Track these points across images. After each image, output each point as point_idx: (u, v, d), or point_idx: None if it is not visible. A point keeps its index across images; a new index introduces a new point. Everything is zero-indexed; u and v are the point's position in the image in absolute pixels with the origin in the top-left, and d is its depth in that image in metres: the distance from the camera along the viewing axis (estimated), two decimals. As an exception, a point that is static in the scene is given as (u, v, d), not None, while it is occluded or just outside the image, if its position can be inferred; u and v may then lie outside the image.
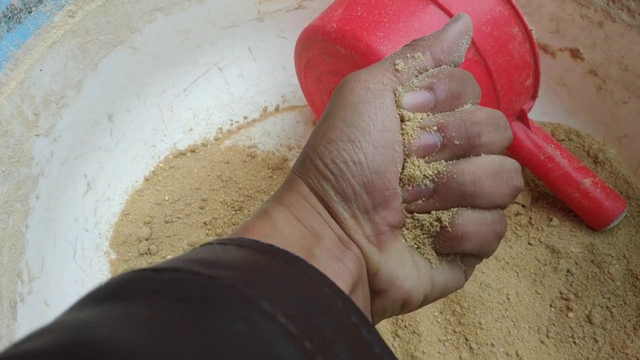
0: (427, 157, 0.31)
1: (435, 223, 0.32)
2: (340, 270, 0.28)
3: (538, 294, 0.63)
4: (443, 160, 0.32)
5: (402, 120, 0.31)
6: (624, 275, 0.63)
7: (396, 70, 0.32)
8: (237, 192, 0.71)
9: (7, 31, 0.55)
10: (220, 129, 0.78)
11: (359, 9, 0.56)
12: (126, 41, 0.68)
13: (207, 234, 0.68)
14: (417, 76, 0.32)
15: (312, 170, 0.30)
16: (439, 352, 0.60)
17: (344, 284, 0.28)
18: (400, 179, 0.32)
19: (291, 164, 0.75)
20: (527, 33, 0.56)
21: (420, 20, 0.54)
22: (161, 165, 0.74)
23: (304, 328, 0.21)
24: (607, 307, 0.61)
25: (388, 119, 0.30)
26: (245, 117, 0.79)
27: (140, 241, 0.67)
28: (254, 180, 0.72)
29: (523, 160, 0.65)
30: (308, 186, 0.31)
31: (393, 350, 0.60)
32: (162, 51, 0.72)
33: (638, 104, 0.67)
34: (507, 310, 0.62)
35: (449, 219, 0.32)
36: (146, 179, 0.73)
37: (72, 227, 0.65)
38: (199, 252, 0.26)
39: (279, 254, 0.26)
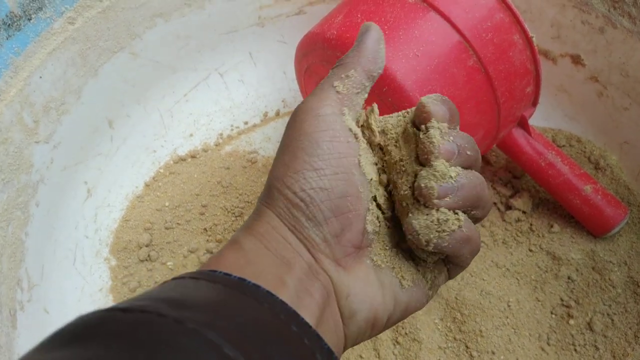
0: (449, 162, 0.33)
1: (455, 222, 0.32)
2: (308, 303, 0.29)
3: (539, 301, 0.63)
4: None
5: (356, 137, 0.33)
6: (625, 282, 0.63)
7: (337, 92, 0.34)
8: (238, 198, 0.71)
9: (7, 38, 0.55)
10: (221, 134, 0.78)
11: (359, 16, 0.56)
12: (126, 47, 0.68)
13: (208, 240, 0.68)
14: (356, 91, 0.34)
15: (281, 200, 0.32)
16: (439, 360, 0.60)
17: (311, 318, 0.29)
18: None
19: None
20: (528, 40, 0.56)
21: (420, 28, 0.54)
22: (161, 171, 0.74)
23: None
24: (608, 314, 0.61)
25: (342, 146, 0.32)
26: (246, 123, 0.79)
27: (141, 247, 0.67)
28: (254, 186, 0.72)
29: (524, 167, 0.65)
30: (277, 216, 0.32)
31: (393, 357, 0.60)
32: (163, 57, 0.72)
33: (639, 110, 0.67)
34: (507, 317, 0.62)
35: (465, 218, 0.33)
36: (146, 185, 0.73)
37: (72, 234, 0.65)
38: (169, 288, 0.27)
39: (249, 290, 0.27)
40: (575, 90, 0.72)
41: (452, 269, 0.37)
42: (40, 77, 0.59)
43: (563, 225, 0.68)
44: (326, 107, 0.33)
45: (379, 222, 0.35)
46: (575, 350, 0.60)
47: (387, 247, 0.35)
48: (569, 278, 0.64)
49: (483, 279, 0.64)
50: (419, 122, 0.33)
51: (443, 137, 0.32)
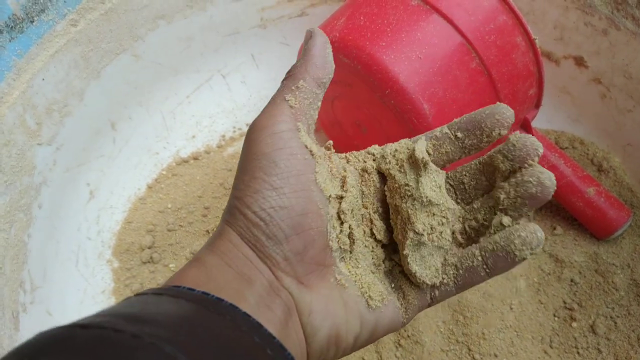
0: None
1: (500, 226, 0.34)
2: (270, 317, 0.29)
3: (542, 303, 0.63)
4: None
5: (312, 154, 0.33)
6: (628, 285, 0.63)
7: (291, 107, 0.33)
8: (240, 200, 0.71)
9: (10, 41, 0.55)
10: (223, 136, 0.78)
11: (362, 18, 0.56)
12: (129, 49, 0.68)
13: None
14: (309, 102, 0.34)
15: (241, 219, 0.31)
16: (441, 363, 0.60)
17: (273, 331, 0.29)
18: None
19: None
20: (531, 42, 0.56)
21: (423, 30, 0.54)
22: (164, 172, 0.74)
23: None
24: (611, 317, 0.61)
25: (300, 163, 0.32)
26: (248, 124, 0.79)
27: (143, 249, 0.67)
28: (256, 188, 0.72)
29: (526, 169, 0.65)
30: (239, 235, 0.32)
31: (396, 360, 0.60)
32: (165, 59, 0.72)
33: (642, 112, 0.67)
34: (510, 320, 0.62)
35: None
36: (149, 187, 0.73)
37: (75, 236, 0.65)
38: (130, 304, 0.27)
39: (212, 304, 0.27)
40: (579, 92, 0.72)
41: (437, 298, 0.36)
42: (43, 79, 0.59)
43: (566, 227, 0.68)
44: (281, 124, 0.32)
45: (351, 239, 0.35)
46: (578, 353, 0.60)
47: (360, 266, 0.35)
48: (571, 281, 0.64)
49: (486, 282, 0.64)
50: (524, 158, 0.33)
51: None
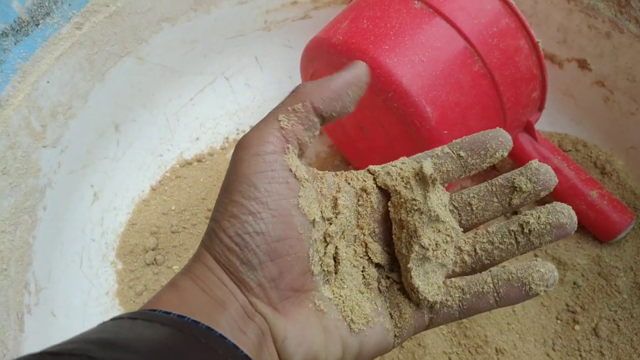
0: None
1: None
2: (244, 341, 0.29)
3: (544, 306, 0.63)
4: None
5: (296, 177, 0.32)
6: (631, 287, 0.63)
7: (281, 127, 0.32)
8: (243, 202, 0.72)
9: (15, 44, 0.56)
10: (227, 138, 0.78)
11: (365, 21, 0.56)
12: (133, 52, 0.68)
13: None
14: (303, 127, 0.33)
15: (217, 243, 0.31)
16: (444, 365, 0.60)
17: (248, 354, 0.29)
18: None
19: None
20: (534, 45, 0.56)
21: (426, 33, 0.54)
22: (167, 174, 0.74)
23: None
24: (613, 320, 0.61)
25: (281, 187, 0.31)
26: (252, 127, 0.79)
27: (147, 251, 0.68)
28: (259, 190, 0.72)
29: (529, 172, 0.65)
30: (214, 258, 0.31)
31: (398, 362, 0.60)
32: (169, 61, 0.73)
33: (646, 115, 0.67)
34: (512, 322, 0.62)
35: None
36: (153, 189, 0.73)
37: (79, 237, 0.66)
38: (104, 329, 0.27)
39: (187, 327, 0.27)
40: (582, 95, 0.72)
41: (438, 321, 0.35)
42: (48, 81, 0.59)
43: (569, 230, 0.67)
44: (267, 145, 0.32)
45: (337, 261, 0.34)
46: (581, 356, 0.60)
47: (345, 287, 0.34)
48: (574, 283, 0.64)
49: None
50: (546, 182, 0.35)
51: None
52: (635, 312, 0.61)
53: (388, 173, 0.36)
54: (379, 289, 0.36)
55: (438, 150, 0.37)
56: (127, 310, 0.64)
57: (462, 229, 0.36)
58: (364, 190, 0.36)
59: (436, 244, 0.34)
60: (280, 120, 0.32)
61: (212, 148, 0.77)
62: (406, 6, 0.55)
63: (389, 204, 0.36)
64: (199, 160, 0.76)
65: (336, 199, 0.35)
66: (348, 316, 0.33)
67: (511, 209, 0.36)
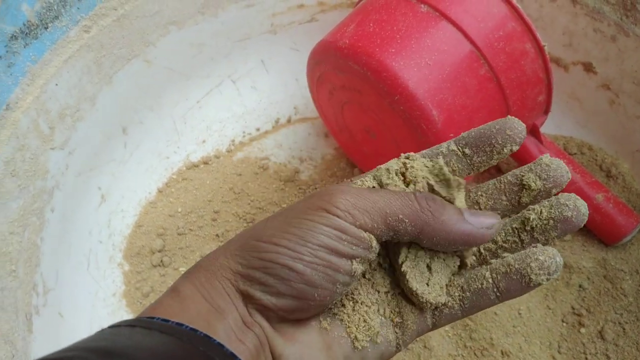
0: None
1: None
2: (241, 350, 0.29)
3: (550, 309, 0.63)
4: None
5: (370, 246, 0.30)
6: (636, 290, 0.63)
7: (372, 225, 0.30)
8: (249, 204, 0.72)
9: (24, 47, 0.56)
10: (233, 140, 0.78)
11: (371, 25, 0.56)
12: (140, 55, 0.68)
13: (220, 246, 0.69)
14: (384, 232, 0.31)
15: (244, 257, 0.30)
16: (450, 367, 0.60)
17: None
18: None
19: (302, 176, 0.75)
20: (540, 49, 0.56)
21: (432, 37, 0.54)
22: (174, 177, 0.75)
23: None
24: (619, 323, 0.61)
25: (343, 248, 0.30)
26: (258, 129, 0.80)
27: (154, 253, 0.68)
28: (266, 193, 0.73)
29: (535, 175, 0.65)
30: (231, 269, 0.30)
31: (404, 364, 0.60)
32: (176, 64, 0.73)
33: (651, 118, 0.67)
34: (518, 325, 0.62)
35: None
36: (159, 191, 0.73)
37: (86, 239, 0.66)
38: (102, 337, 0.27)
39: (185, 335, 0.27)
40: (587, 98, 0.72)
41: (441, 322, 0.35)
42: (56, 84, 0.60)
43: (574, 233, 0.68)
44: (349, 218, 0.30)
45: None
46: (587, 358, 0.60)
47: (350, 303, 0.33)
48: (580, 286, 0.64)
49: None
50: (558, 178, 0.32)
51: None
52: (641, 316, 0.61)
53: (413, 181, 0.33)
54: (385, 294, 0.35)
55: (444, 146, 0.34)
56: (134, 311, 0.65)
57: None
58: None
59: None
60: (379, 220, 0.30)
61: (218, 150, 0.78)
62: (412, 10, 0.56)
63: None
64: (205, 163, 0.76)
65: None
66: (352, 333, 0.33)
67: (520, 208, 0.34)
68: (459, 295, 0.33)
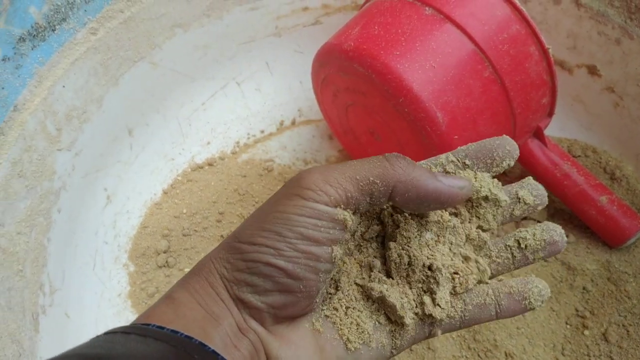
0: None
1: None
2: (236, 357, 0.29)
3: (554, 311, 0.63)
4: None
5: (345, 227, 0.31)
6: (640, 293, 0.63)
7: (349, 191, 0.31)
8: (254, 205, 0.72)
9: (32, 49, 0.57)
10: (238, 142, 0.79)
11: (376, 27, 0.57)
12: (146, 57, 0.69)
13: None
14: (368, 200, 0.32)
15: (229, 261, 0.31)
16: (453, 369, 0.60)
17: None
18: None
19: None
20: (544, 51, 0.57)
21: (437, 39, 0.54)
22: (179, 178, 0.75)
23: None
24: (623, 325, 0.61)
25: (320, 235, 0.30)
26: (262, 131, 0.80)
27: (159, 254, 0.68)
28: (270, 194, 0.73)
29: (539, 177, 0.66)
30: (219, 274, 0.31)
31: (408, 366, 0.60)
32: (181, 66, 0.74)
33: (655, 121, 0.67)
34: (522, 327, 0.62)
35: None
36: (164, 192, 0.74)
37: (92, 240, 0.67)
38: (97, 343, 0.27)
39: (180, 343, 0.27)
40: (591, 101, 0.73)
41: (439, 332, 0.35)
42: (64, 86, 0.60)
43: (578, 235, 0.68)
44: (324, 196, 0.30)
45: (339, 284, 0.34)
46: (590, 361, 0.60)
47: (344, 304, 0.34)
48: (584, 288, 0.64)
49: (498, 289, 0.64)
50: (542, 203, 0.36)
51: None
52: (645, 318, 0.61)
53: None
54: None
55: (442, 157, 0.36)
56: (139, 312, 0.65)
57: None
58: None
59: (451, 261, 0.35)
60: (352, 183, 0.31)
61: (223, 152, 0.78)
62: (417, 12, 0.56)
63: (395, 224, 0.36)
64: (210, 164, 0.77)
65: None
66: (344, 335, 0.33)
67: (511, 220, 0.36)
68: (461, 308, 0.34)
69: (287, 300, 0.31)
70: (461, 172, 0.35)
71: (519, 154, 0.36)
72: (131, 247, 0.69)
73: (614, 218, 0.64)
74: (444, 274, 0.34)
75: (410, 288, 0.34)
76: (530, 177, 0.37)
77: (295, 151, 0.78)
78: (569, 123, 0.75)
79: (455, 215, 0.36)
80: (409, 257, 0.34)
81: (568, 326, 0.62)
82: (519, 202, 0.36)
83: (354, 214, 0.32)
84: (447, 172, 0.35)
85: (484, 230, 0.36)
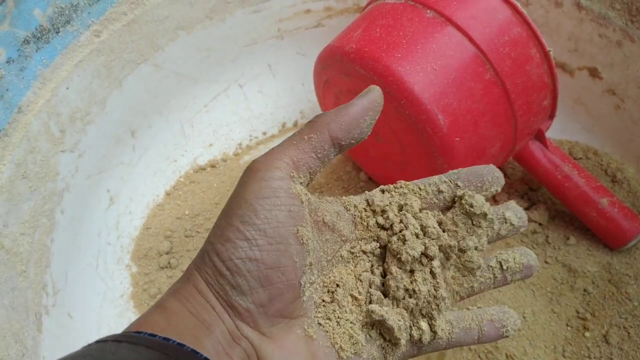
0: None
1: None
2: None
3: (554, 312, 0.63)
4: None
5: (302, 202, 0.32)
6: (641, 295, 0.63)
7: (292, 155, 0.33)
8: (256, 207, 0.72)
9: (36, 51, 0.57)
10: (240, 144, 0.79)
11: (377, 30, 0.57)
12: (149, 59, 0.69)
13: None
14: (315, 156, 0.33)
15: (209, 266, 0.31)
16: (454, 370, 0.60)
17: None
18: None
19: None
20: (545, 54, 0.57)
21: (438, 42, 0.55)
22: (182, 180, 0.76)
23: None
24: (624, 327, 0.61)
25: (282, 214, 0.31)
26: (264, 133, 0.80)
27: (161, 255, 0.69)
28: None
29: (540, 179, 0.66)
30: (205, 280, 0.31)
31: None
32: (184, 69, 0.74)
33: (656, 123, 0.67)
34: (523, 329, 0.62)
35: None
36: (167, 194, 0.74)
37: (95, 241, 0.67)
38: (88, 352, 0.27)
39: (172, 350, 0.27)
40: (593, 103, 0.73)
41: (425, 351, 0.36)
42: (67, 88, 0.61)
43: (579, 237, 0.68)
44: (274, 171, 0.32)
45: (335, 295, 0.35)
46: (591, 362, 0.60)
47: (338, 315, 0.35)
48: (585, 290, 0.64)
49: (499, 291, 0.64)
50: (524, 225, 0.39)
51: None
52: (645, 320, 0.61)
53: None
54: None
55: (435, 178, 0.38)
56: (141, 312, 0.65)
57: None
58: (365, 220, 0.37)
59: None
60: (292, 148, 0.33)
61: (225, 154, 0.78)
62: (418, 15, 0.56)
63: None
64: (212, 166, 0.77)
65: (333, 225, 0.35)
66: (337, 344, 0.34)
67: (496, 239, 0.38)
68: (449, 330, 0.36)
69: (272, 293, 0.31)
70: (456, 191, 0.37)
71: (504, 183, 0.38)
72: (134, 248, 0.70)
73: (615, 220, 0.64)
74: (446, 303, 0.35)
75: (408, 310, 0.35)
76: (513, 201, 0.39)
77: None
78: (570, 125, 0.75)
79: (455, 234, 0.37)
80: (413, 288, 0.35)
81: (569, 328, 0.63)
82: (505, 222, 0.38)
83: (310, 180, 0.33)
84: (441, 192, 0.37)
85: (477, 250, 0.37)
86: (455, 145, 0.54)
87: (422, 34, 0.55)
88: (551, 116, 0.62)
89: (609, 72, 0.69)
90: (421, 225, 0.36)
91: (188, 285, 0.32)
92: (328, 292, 0.35)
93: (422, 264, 0.36)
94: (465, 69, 0.54)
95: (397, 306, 0.35)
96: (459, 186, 0.37)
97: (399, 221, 0.36)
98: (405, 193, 0.37)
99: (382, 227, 0.37)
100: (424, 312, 0.35)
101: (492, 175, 0.37)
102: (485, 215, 0.36)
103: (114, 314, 0.65)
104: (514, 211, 0.38)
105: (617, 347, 0.60)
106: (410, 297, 0.35)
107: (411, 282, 0.35)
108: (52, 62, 0.59)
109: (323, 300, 0.35)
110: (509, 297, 0.64)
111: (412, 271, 0.35)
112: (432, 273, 0.36)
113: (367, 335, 0.35)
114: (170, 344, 0.28)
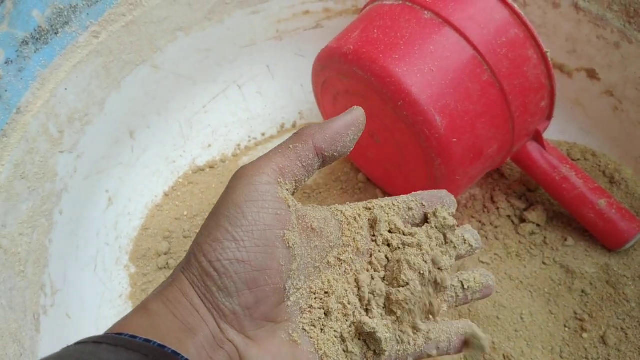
0: None
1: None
2: None
3: (552, 314, 0.63)
4: None
5: (289, 207, 0.33)
6: (639, 296, 0.63)
7: (279, 163, 0.34)
8: (254, 208, 0.73)
9: (35, 52, 0.57)
10: (239, 145, 0.79)
11: (375, 31, 0.57)
12: (148, 60, 0.69)
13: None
14: (301, 165, 0.34)
15: (196, 267, 0.31)
16: (452, 371, 0.60)
17: None
18: None
19: (308, 181, 0.76)
20: (543, 55, 0.57)
21: (435, 43, 0.55)
22: (180, 180, 0.76)
23: None
24: (622, 328, 0.61)
25: (269, 218, 0.32)
26: (263, 134, 0.81)
27: (159, 255, 0.69)
28: (270, 197, 0.73)
29: (538, 180, 0.66)
30: (190, 282, 0.31)
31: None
32: (183, 69, 0.74)
33: (654, 124, 0.67)
34: (520, 329, 0.62)
35: None
36: (166, 194, 0.74)
37: (94, 241, 0.67)
38: (67, 353, 0.27)
39: (152, 352, 0.27)
40: (591, 104, 0.73)
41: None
42: (66, 89, 0.61)
43: (577, 238, 0.68)
44: (262, 176, 0.32)
45: (329, 305, 0.35)
46: (589, 363, 0.60)
47: (320, 327, 0.35)
48: (582, 291, 0.64)
49: (496, 291, 0.64)
50: (479, 246, 0.42)
51: None
52: (643, 321, 0.61)
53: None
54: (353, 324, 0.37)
55: (404, 197, 0.41)
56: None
57: None
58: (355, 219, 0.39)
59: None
60: (278, 156, 0.34)
61: (224, 155, 0.78)
62: (416, 16, 0.56)
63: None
64: (211, 167, 0.77)
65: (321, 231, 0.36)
66: (321, 349, 0.34)
67: (458, 259, 0.41)
68: (424, 341, 0.38)
69: (258, 296, 0.32)
70: (422, 210, 0.41)
71: (456, 207, 0.42)
72: (132, 248, 0.70)
73: (613, 221, 0.64)
74: (434, 310, 0.38)
75: (396, 322, 0.37)
76: (468, 225, 0.42)
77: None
78: (568, 126, 0.75)
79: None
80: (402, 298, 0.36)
81: (566, 329, 0.63)
82: (465, 243, 0.40)
83: (295, 188, 0.35)
84: (410, 209, 0.40)
85: (441, 269, 0.39)
86: (452, 147, 0.55)
87: (419, 35, 0.55)
88: (549, 117, 0.63)
89: (607, 73, 0.69)
90: (410, 235, 0.39)
91: (173, 288, 0.32)
92: (315, 298, 0.35)
93: (412, 270, 0.37)
94: (462, 70, 0.54)
95: (384, 318, 0.36)
96: (424, 205, 0.40)
97: (387, 230, 0.39)
98: (382, 207, 0.39)
99: (372, 237, 0.39)
100: (411, 324, 0.37)
101: (450, 198, 0.41)
102: (454, 228, 0.39)
103: (112, 315, 0.65)
104: (471, 234, 0.41)
105: (614, 348, 0.60)
106: (399, 304, 0.36)
107: (398, 290, 0.36)
108: (50, 63, 0.59)
109: (310, 307, 0.35)
110: (506, 298, 0.64)
111: (404, 282, 0.37)
112: (428, 293, 0.38)
113: (352, 344, 0.36)
114: (152, 345, 0.28)
